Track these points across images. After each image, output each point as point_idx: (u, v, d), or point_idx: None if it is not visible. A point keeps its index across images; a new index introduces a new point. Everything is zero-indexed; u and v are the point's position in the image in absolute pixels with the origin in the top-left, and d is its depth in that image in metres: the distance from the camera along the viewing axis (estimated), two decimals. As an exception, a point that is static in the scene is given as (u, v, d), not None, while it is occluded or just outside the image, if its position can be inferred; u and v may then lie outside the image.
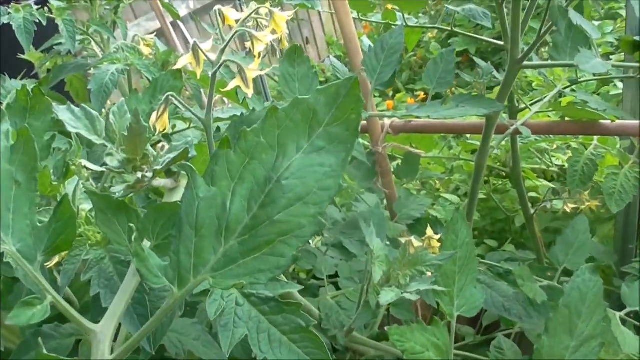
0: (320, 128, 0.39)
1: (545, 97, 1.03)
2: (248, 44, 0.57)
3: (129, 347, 0.40)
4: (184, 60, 0.57)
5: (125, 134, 0.42)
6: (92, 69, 1.12)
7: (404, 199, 1.18)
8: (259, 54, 0.56)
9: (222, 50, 0.56)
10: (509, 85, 0.87)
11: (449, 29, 1.17)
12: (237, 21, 0.58)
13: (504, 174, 1.62)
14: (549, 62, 0.85)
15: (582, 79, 1.05)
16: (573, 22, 0.79)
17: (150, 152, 0.43)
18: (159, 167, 0.41)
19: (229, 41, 0.56)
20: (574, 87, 1.03)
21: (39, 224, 0.38)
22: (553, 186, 1.49)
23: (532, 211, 1.31)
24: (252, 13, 0.57)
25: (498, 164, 1.48)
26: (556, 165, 1.59)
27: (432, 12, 2.25)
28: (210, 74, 0.55)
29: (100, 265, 0.55)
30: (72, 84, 1.41)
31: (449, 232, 0.75)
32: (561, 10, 0.78)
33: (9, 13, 1.13)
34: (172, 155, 0.41)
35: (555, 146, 1.60)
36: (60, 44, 1.27)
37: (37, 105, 0.67)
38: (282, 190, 0.37)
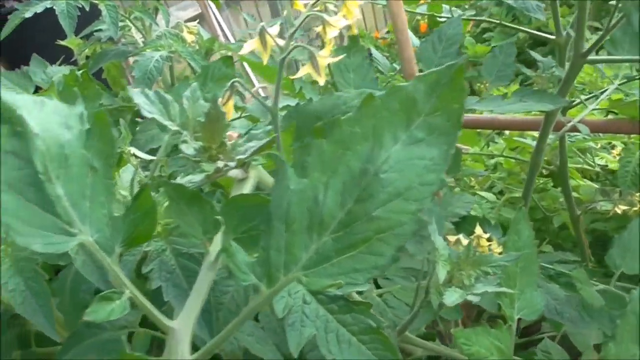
0: (420, 118, 0.36)
1: (604, 91, 0.99)
2: (318, 29, 0.54)
3: (211, 348, 0.37)
4: (250, 46, 0.54)
5: (202, 120, 0.40)
6: (134, 56, 1.10)
7: (448, 197, 1.14)
8: (330, 40, 0.53)
9: (292, 35, 0.53)
10: (572, 81, 0.84)
11: (498, 21, 1.13)
12: (305, 6, 0.55)
13: (544, 172, 1.58)
14: (615, 57, 0.81)
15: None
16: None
17: (227, 141, 0.40)
18: (243, 157, 0.38)
19: (299, 26, 0.53)
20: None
21: (116, 214, 0.36)
22: (596, 186, 1.45)
23: (578, 212, 1.27)
24: (323, -3, 0.54)
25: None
26: (598, 165, 1.55)
27: (467, 6, 2.20)
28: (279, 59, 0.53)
29: (162, 257, 0.53)
30: (110, 71, 1.40)
31: (511, 233, 0.72)
32: (634, 3, 0.74)
33: (52, -2, 1.11)
34: (254, 144, 0.39)
35: (599, 145, 1.56)
36: (100, 30, 1.26)
37: (85, 91, 0.65)
38: (381, 185, 0.34)
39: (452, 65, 0.35)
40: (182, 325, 0.37)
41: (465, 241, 0.89)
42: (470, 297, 0.65)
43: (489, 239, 0.88)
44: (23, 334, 0.96)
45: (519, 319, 1.22)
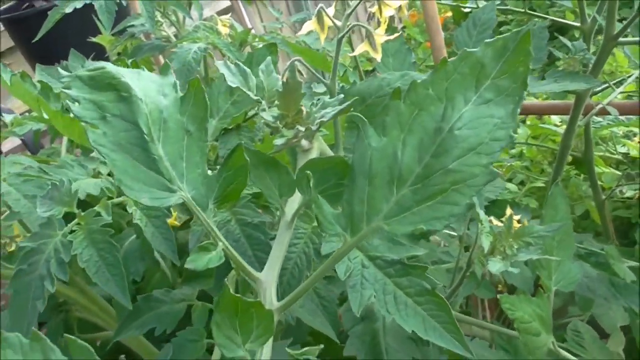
0: (488, 80, 0.39)
1: (631, 76, 1.01)
2: (372, 9, 0.57)
3: (297, 294, 0.40)
4: (309, 26, 0.57)
5: (279, 90, 0.43)
6: (172, 48, 1.13)
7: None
8: (386, 19, 0.56)
9: (348, 15, 0.56)
10: (602, 63, 0.86)
11: (523, 10, 1.16)
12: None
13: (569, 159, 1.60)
14: (646, 38, 0.83)
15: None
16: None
17: (302, 109, 0.43)
18: (325, 119, 0.41)
19: (357, 5, 0.56)
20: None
21: (209, 173, 0.39)
22: (619, 173, 1.47)
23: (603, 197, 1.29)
24: (376, -21, 0.57)
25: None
26: (620, 152, 1.56)
27: None
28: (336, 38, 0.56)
29: (227, 227, 0.56)
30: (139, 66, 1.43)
31: (548, 207, 0.75)
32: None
33: (89, -7, 1.14)
34: (331, 111, 0.42)
35: (621, 132, 1.57)
36: (132, 26, 1.29)
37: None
38: (455, 140, 0.37)
39: (518, 31, 0.38)
40: (268, 276, 0.40)
41: (497, 223, 0.92)
42: (511, 269, 0.68)
43: (518, 221, 0.91)
44: (67, 321, 1.00)
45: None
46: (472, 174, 0.37)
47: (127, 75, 0.39)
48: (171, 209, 0.69)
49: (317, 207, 0.37)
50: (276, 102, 0.44)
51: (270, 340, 0.37)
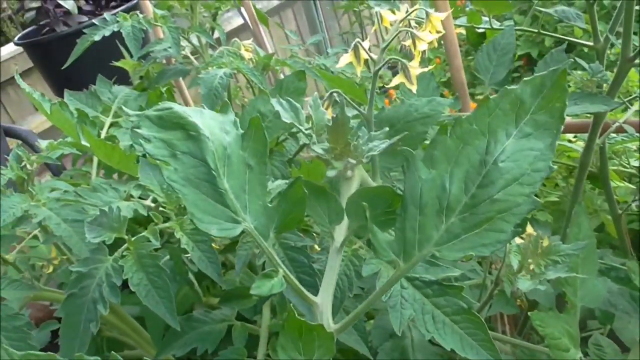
0: (527, 116, 0.42)
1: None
2: (406, 43, 0.60)
3: (352, 319, 0.43)
4: (345, 60, 0.61)
5: (329, 124, 0.46)
6: (198, 73, 1.17)
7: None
8: (420, 52, 0.59)
9: (384, 49, 0.59)
10: (619, 84, 0.89)
11: (536, 30, 1.19)
12: (393, 22, 0.61)
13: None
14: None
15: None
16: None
17: (350, 142, 0.46)
18: (374, 153, 0.44)
19: (391, 40, 0.59)
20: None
21: (269, 205, 0.42)
22: (633, 187, 1.49)
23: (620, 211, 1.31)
24: (409, 14, 0.60)
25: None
26: (634, 166, 1.58)
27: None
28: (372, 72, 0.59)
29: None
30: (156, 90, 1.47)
31: (573, 225, 0.78)
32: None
33: (117, 21, 1.18)
34: (382, 144, 0.45)
35: (634, 147, 1.60)
36: (152, 51, 1.33)
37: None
38: (499, 172, 0.40)
39: (556, 69, 0.41)
40: (324, 300, 0.43)
41: (519, 240, 0.94)
42: (539, 286, 0.70)
43: (540, 237, 0.93)
44: (97, 339, 1.03)
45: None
46: (516, 202, 0.40)
47: (193, 115, 0.42)
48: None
49: (372, 234, 0.40)
50: (325, 135, 0.47)
51: (330, 360, 0.40)
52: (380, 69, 0.59)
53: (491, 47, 0.88)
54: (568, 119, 1.02)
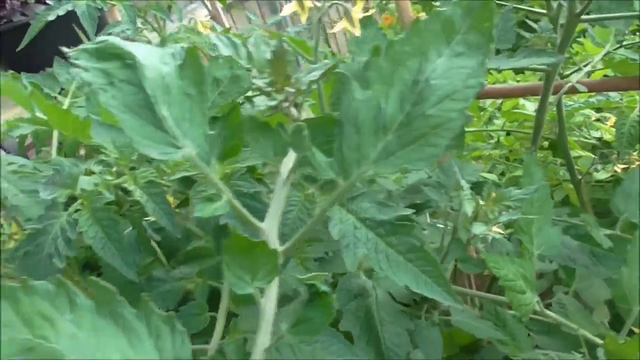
0: (458, 36, 0.43)
1: (596, 57, 1.07)
2: None
3: (298, 239, 0.44)
4: (290, 8, 0.61)
5: (269, 58, 0.47)
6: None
7: (457, 166, 1.22)
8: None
9: (328, -4, 0.60)
10: (568, 39, 0.91)
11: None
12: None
13: (544, 145, 1.65)
14: (606, 15, 0.89)
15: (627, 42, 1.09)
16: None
17: (291, 74, 0.47)
18: (314, 78, 0.45)
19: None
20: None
21: (210, 132, 0.43)
22: (594, 156, 1.52)
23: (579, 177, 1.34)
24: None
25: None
26: (594, 137, 1.62)
27: None
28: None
29: (226, 198, 0.60)
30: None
31: (525, 175, 0.79)
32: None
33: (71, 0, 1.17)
34: (318, 71, 0.46)
35: (593, 118, 1.63)
36: (110, 33, 1.32)
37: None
38: (432, 89, 0.41)
39: (482, -10, 0.43)
40: (269, 225, 0.44)
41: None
42: (492, 234, 0.72)
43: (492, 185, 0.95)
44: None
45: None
46: (449, 118, 0.41)
47: (130, 46, 0.42)
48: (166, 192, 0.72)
49: (311, 156, 0.41)
50: (266, 70, 0.48)
51: (277, 279, 0.41)
52: (323, 14, 0.59)
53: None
54: (521, 83, 1.05)
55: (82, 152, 1.05)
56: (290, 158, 0.49)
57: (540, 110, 0.99)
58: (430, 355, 0.86)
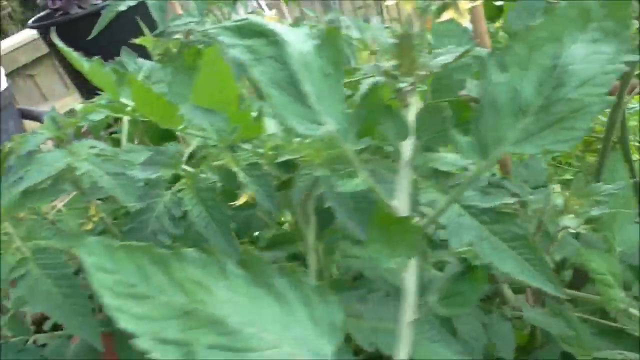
0: (594, 23, 0.43)
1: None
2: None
3: (436, 215, 0.45)
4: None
5: (394, 41, 0.48)
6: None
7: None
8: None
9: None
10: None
11: None
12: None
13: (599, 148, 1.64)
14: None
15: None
16: None
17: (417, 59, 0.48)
18: (447, 61, 0.46)
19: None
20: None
21: (348, 110, 0.44)
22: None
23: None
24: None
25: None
26: (647, 142, 1.60)
27: None
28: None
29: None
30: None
31: (609, 171, 0.79)
32: None
33: (141, -8, 1.19)
34: (448, 56, 0.47)
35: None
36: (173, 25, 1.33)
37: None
38: (570, 74, 0.42)
39: (619, -20, 0.43)
40: (401, 203, 0.45)
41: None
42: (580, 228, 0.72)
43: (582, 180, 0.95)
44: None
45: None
46: (589, 102, 0.42)
47: (271, 24, 0.44)
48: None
49: (452, 138, 0.42)
50: (391, 53, 0.48)
51: (416, 258, 0.41)
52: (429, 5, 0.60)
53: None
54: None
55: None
56: (411, 141, 0.49)
57: (614, 110, 0.98)
58: (503, 349, 0.86)
